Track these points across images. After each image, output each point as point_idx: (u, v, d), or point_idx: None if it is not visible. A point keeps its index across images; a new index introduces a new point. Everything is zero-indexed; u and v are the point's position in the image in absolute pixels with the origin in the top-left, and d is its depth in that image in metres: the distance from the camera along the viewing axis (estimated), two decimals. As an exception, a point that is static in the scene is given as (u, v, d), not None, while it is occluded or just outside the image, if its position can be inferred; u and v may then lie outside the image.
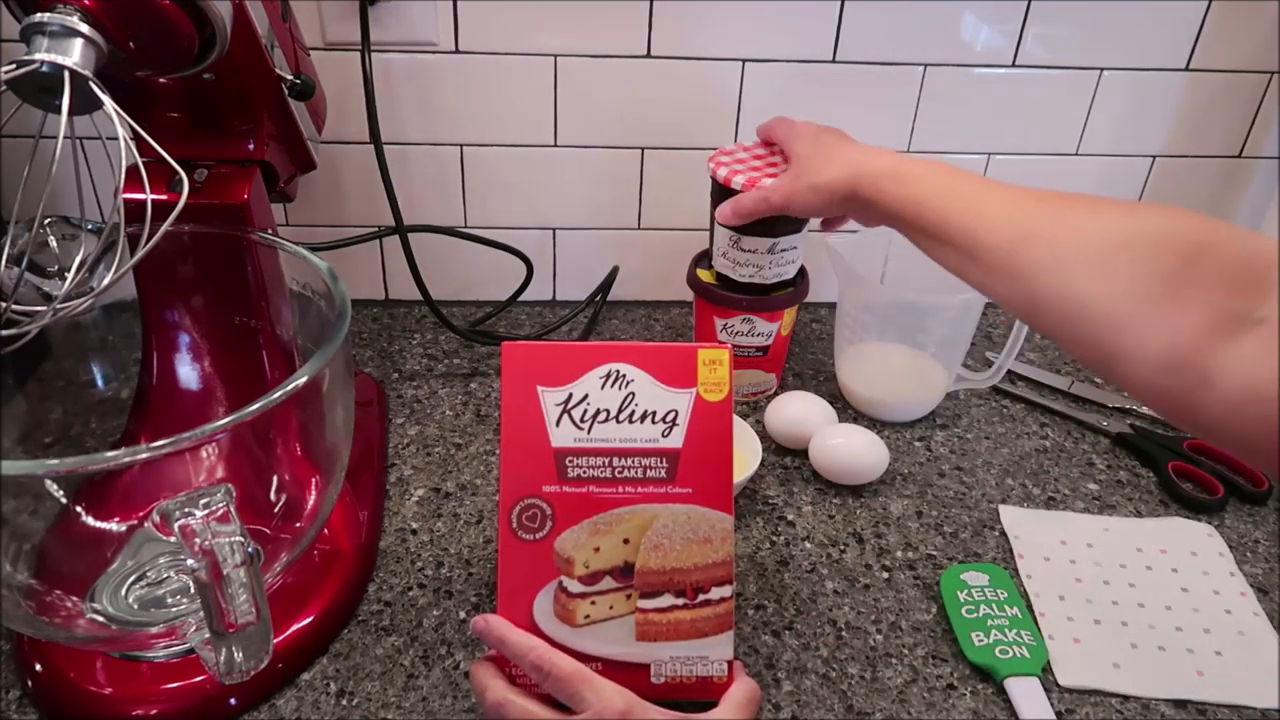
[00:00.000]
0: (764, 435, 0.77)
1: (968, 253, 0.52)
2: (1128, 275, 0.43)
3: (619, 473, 0.52)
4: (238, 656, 0.43)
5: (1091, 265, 0.45)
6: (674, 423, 0.52)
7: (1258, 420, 0.38)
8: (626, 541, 0.51)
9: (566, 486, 0.51)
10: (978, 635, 0.59)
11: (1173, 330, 0.41)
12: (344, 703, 0.55)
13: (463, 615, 0.61)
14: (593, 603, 0.51)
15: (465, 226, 0.91)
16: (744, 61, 0.85)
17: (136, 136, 0.47)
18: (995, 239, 0.50)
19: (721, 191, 0.73)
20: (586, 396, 0.52)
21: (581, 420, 0.52)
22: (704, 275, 0.81)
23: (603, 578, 0.51)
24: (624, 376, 0.52)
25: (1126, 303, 0.43)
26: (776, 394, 0.82)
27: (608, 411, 0.52)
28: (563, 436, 0.52)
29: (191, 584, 0.41)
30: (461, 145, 0.87)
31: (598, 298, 0.94)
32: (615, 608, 0.51)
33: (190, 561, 0.40)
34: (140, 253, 0.46)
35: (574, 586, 0.51)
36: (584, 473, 0.51)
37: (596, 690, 0.47)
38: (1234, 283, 0.40)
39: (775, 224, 0.72)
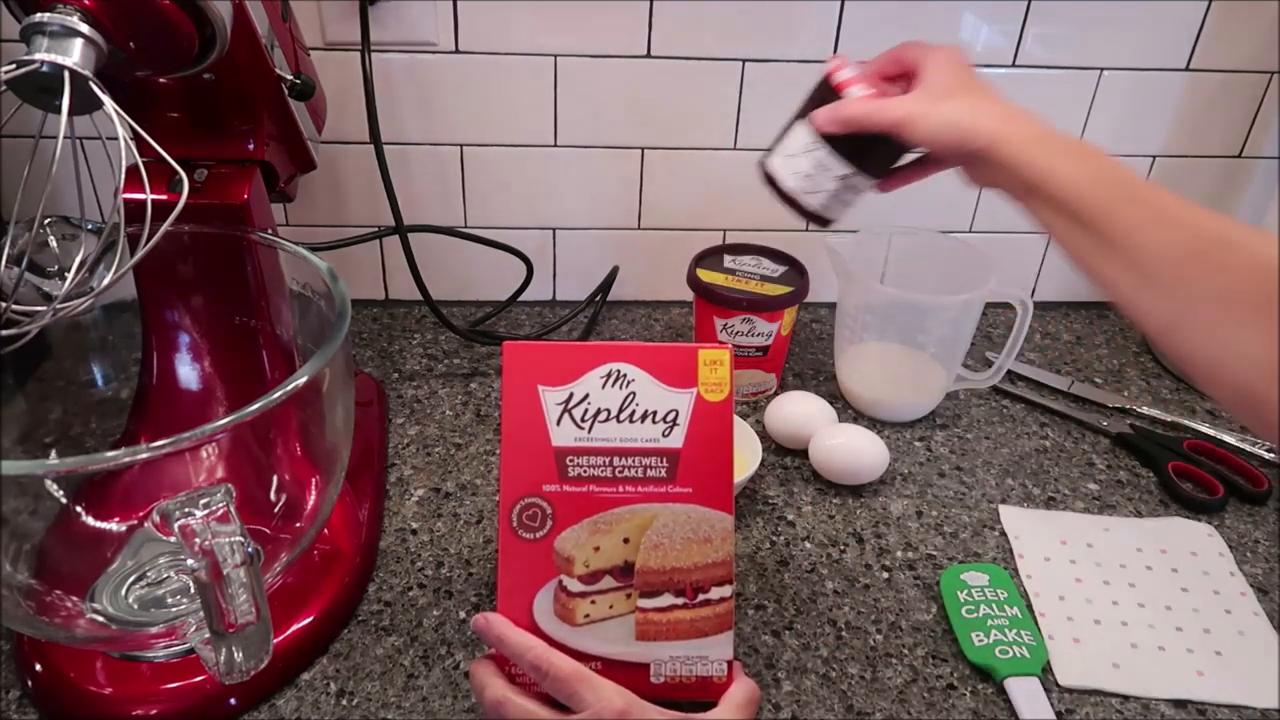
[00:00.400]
0: (764, 435, 0.77)
1: (1125, 256, 0.47)
2: None
3: (619, 472, 0.52)
4: (238, 656, 0.43)
5: (1255, 313, 0.42)
6: (674, 422, 0.52)
7: None
8: (626, 541, 0.51)
9: (567, 486, 0.51)
10: (978, 635, 0.59)
11: None
12: (344, 703, 0.55)
13: (463, 615, 0.61)
14: (593, 602, 0.51)
15: (465, 226, 0.91)
16: (744, 61, 0.85)
17: (136, 136, 0.47)
18: (1164, 255, 0.46)
19: (824, 94, 0.64)
20: (587, 396, 0.52)
21: (582, 420, 0.52)
22: (704, 275, 0.81)
23: (603, 577, 0.51)
24: (625, 376, 0.52)
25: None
26: (776, 394, 0.82)
27: (608, 411, 0.52)
28: (563, 436, 0.52)
29: (191, 584, 0.41)
30: (461, 145, 0.87)
31: (598, 298, 0.94)
32: (615, 607, 0.51)
33: (190, 561, 0.40)
34: (140, 253, 0.46)
35: (574, 586, 0.51)
36: (584, 472, 0.52)
37: (595, 690, 0.47)
38: None
39: (868, 153, 0.63)
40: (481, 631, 0.51)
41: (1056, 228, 0.52)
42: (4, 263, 0.49)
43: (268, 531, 0.56)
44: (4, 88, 0.43)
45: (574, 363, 0.52)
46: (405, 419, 0.79)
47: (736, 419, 0.61)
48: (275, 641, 0.46)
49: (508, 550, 0.51)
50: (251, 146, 0.60)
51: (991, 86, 0.57)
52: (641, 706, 0.47)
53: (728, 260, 0.83)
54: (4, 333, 0.46)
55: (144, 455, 0.41)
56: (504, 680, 0.49)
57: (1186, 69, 0.89)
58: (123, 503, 0.54)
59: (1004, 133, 0.52)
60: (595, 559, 0.51)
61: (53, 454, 0.61)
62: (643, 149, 0.89)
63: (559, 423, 0.52)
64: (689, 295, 0.83)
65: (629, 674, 0.51)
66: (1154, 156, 0.94)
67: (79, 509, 0.53)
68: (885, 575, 0.65)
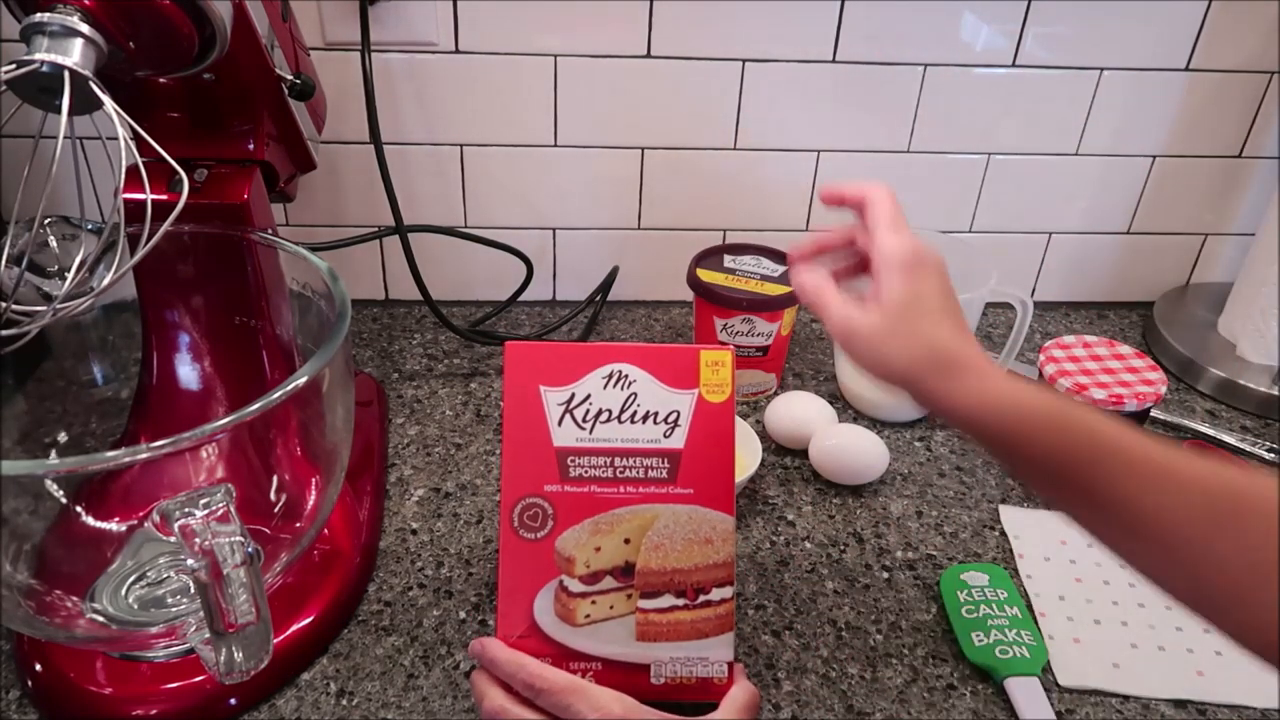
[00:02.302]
0: (764, 435, 0.77)
1: (1123, 522, 0.42)
2: None
3: (620, 473, 0.52)
4: (238, 656, 0.43)
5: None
6: (676, 423, 0.52)
7: None
8: (627, 541, 0.51)
9: (568, 486, 0.51)
10: (978, 635, 0.59)
11: None
12: (344, 703, 0.55)
13: (463, 615, 0.61)
14: (593, 602, 0.51)
15: (465, 226, 0.91)
16: (744, 61, 0.85)
17: (136, 136, 0.47)
18: (1175, 520, 0.40)
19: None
20: (589, 396, 0.52)
21: (583, 420, 0.52)
22: (704, 275, 0.81)
23: (603, 577, 0.51)
24: (626, 377, 0.52)
25: None
26: (776, 394, 0.82)
27: (610, 411, 0.52)
28: (565, 436, 0.52)
29: (191, 584, 0.41)
30: (461, 145, 0.87)
31: (598, 298, 0.94)
32: (616, 607, 0.51)
33: (190, 561, 0.40)
34: (140, 253, 0.46)
35: (575, 586, 0.51)
36: (585, 472, 0.52)
37: (590, 699, 0.47)
38: None
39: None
40: (477, 656, 0.51)
41: (1021, 473, 0.48)
42: (4, 263, 0.49)
43: (268, 531, 0.56)
44: (4, 88, 0.43)
45: (576, 363, 0.52)
46: (405, 419, 0.79)
47: (737, 419, 0.61)
48: (275, 641, 0.46)
49: (508, 550, 0.51)
50: (251, 146, 0.60)
51: (942, 301, 0.49)
52: (640, 710, 0.47)
53: (728, 260, 0.83)
54: (4, 333, 0.46)
55: (144, 455, 0.41)
56: (502, 690, 0.49)
57: (1186, 69, 0.89)
58: (123, 503, 0.54)
59: (929, 369, 0.47)
60: (596, 559, 0.51)
61: (53, 454, 0.61)
62: (643, 149, 0.89)
63: (560, 423, 0.52)
64: (689, 295, 0.83)
65: (629, 675, 0.51)
66: (1154, 156, 0.94)
67: (79, 509, 0.53)
68: (885, 575, 0.65)
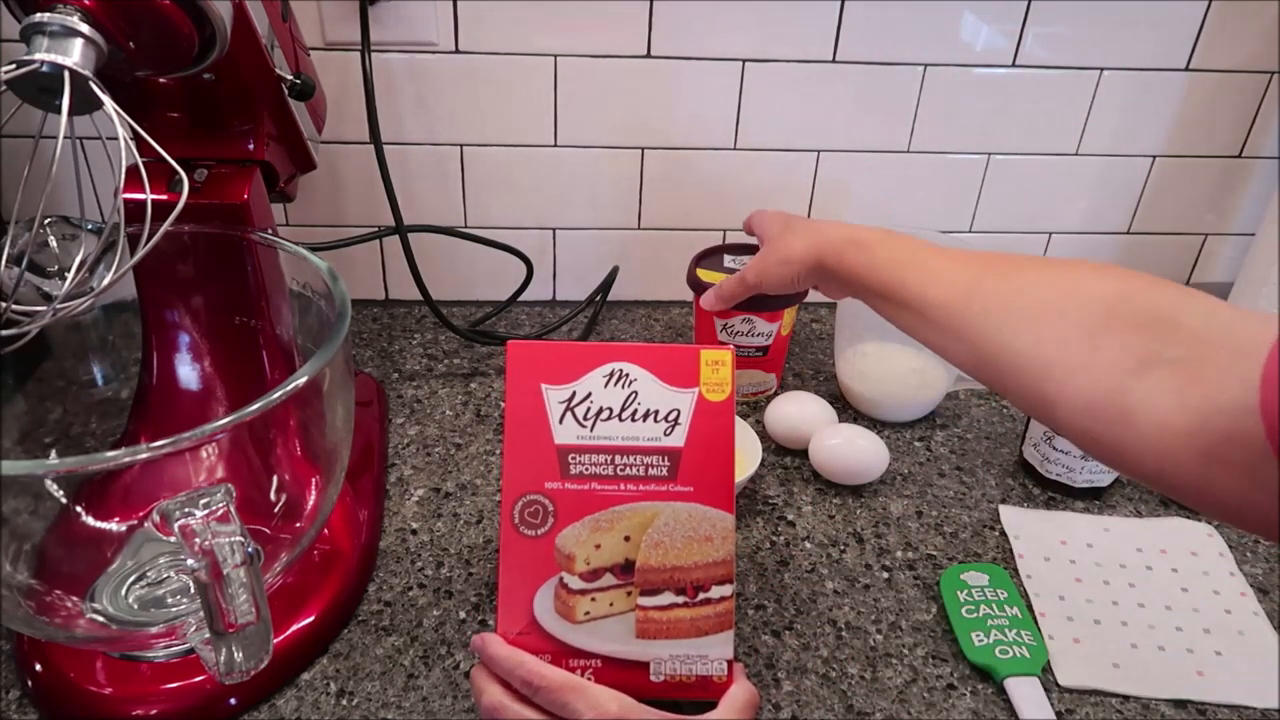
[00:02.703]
0: (764, 435, 0.77)
1: (919, 312, 0.53)
2: (1057, 327, 0.45)
3: (621, 470, 0.52)
4: (238, 656, 0.43)
5: (1026, 319, 0.47)
6: (676, 422, 0.52)
7: (1172, 455, 0.39)
8: (628, 539, 0.51)
9: (569, 483, 0.52)
10: (978, 635, 0.59)
11: (1094, 375, 0.43)
12: (344, 703, 0.55)
13: (463, 615, 0.61)
14: (593, 599, 0.51)
15: (465, 226, 0.91)
16: (744, 61, 0.85)
17: (136, 136, 0.47)
18: (943, 297, 0.52)
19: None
20: (590, 395, 0.52)
21: (584, 418, 0.52)
22: (704, 275, 0.81)
23: (603, 574, 0.51)
24: (627, 376, 0.52)
25: (1054, 350, 0.45)
26: (776, 394, 0.82)
27: (610, 410, 0.52)
28: (566, 434, 0.52)
29: (191, 584, 0.41)
30: (461, 145, 0.87)
31: (598, 298, 0.94)
32: (615, 605, 0.51)
33: (190, 561, 0.40)
34: (140, 253, 0.46)
35: (574, 583, 0.51)
36: (586, 470, 0.52)
37: (588, 697, 0.47)
38: (1147, 327, 0.42)
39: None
40: (478, 650, 0.51)
41: (880, 308, 0.58)
42: (4, 263, 0.49)
43: (268, 531, 0.56)
44: (4, 88, 0.43)
45: (577, 362, 0.53)
46: (405, 419, 0.79)
47: (737, 419, 0.61)
48: (275, 641, 0.46)
49: (509, 547, 0.51)
50: (251, 146, 0.60)
51: (814, 220, 0.67)
52: (637, 710, 0.47)
53: (728, 260, 0.83)
54: (4, 333, 0.46)
55: (144, 455, 0.41)
56: (501, 687, 0.50)
57: (1186, 69, 0.89)
58: (123, 503, 0.54)
59: (820, 248, 0.61)
60: (596, 556, 0.51)
61: (53, 454, 0.61)
62: (643, 149, 0.89)
63: (561, 421, 0.52)
64: (689, 295, 0.83)
65: (628, 672, 0.51)
66: (1154, 156, 0.94)
67: (79, 509, 0.53)
68: (885, 575, 0.65)
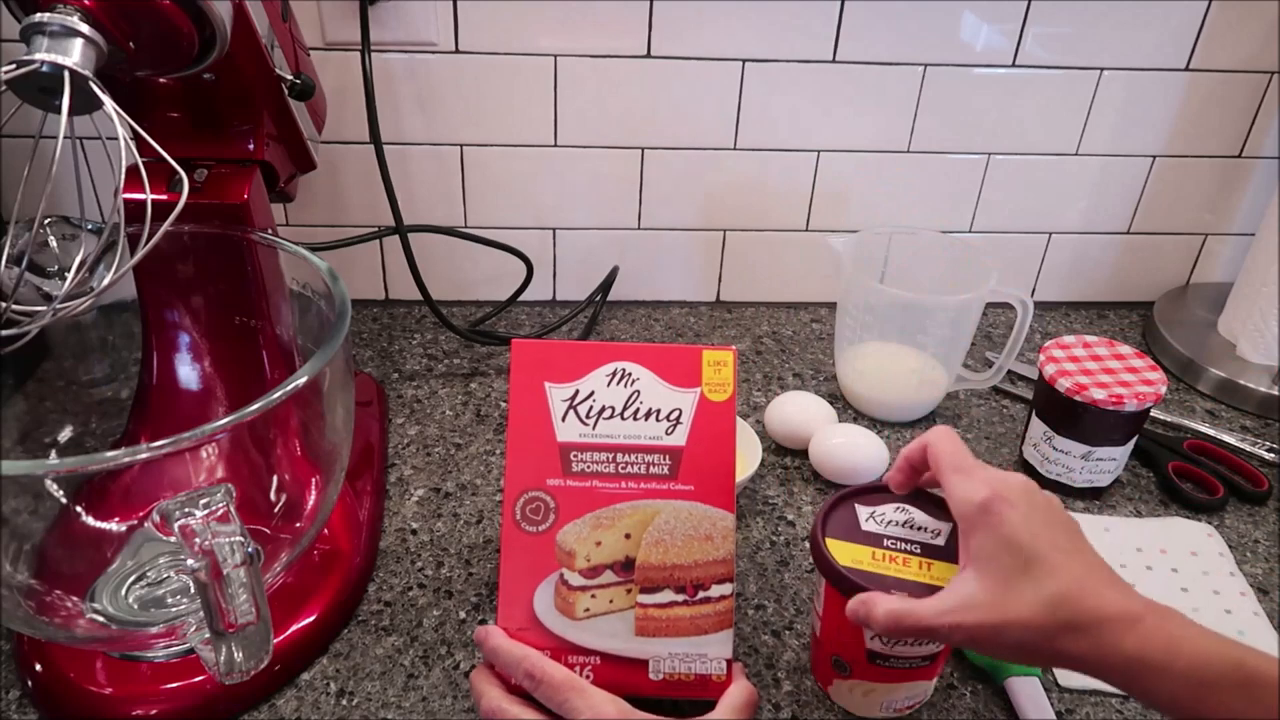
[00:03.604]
0: (764, 435, 0.77)
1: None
2: None
3: (622, 468, 0.52)
4: (238, 656, 0.43)
5: None
6: (678, 421, 0.52)
7: None
8: (628, 536, 0.52)
9: (570, 480, 0.52)
10: (978, 635, 0.59)
11: None
12: (344, 703, 0.55)
13: (463, 615, 0.61)
14: (593, 596, 0.51)
15: (465, 226, 0.91)
16: (744, 61, 0.85)
17: (136, 136, 0.47)
18: None
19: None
20: (593, 393, 0.52)
21: (587, 416, 0.52)
22: (837, 550, 0.51)
23: (603, 571, 0.51)
24: (630, 375, 0.53)
25: None
26: (776, 395, 0.82)
27: (613, 408, 0.52)
28: (568, 432, 0.52)
29: (191, 584, 0.41)
30: (461, 145, 0.87)
31: (598, 298, 0.94)
32: (615, 602, 0.51)
33: (190, 561, 0.40)
34: (140, 253, 0.46)
35: (575, 579, 0.51)
36: (588, 467, 0.52)
37: (587, 698, 0.47)
38: None
39: None
40: (480, 642, 0.51)
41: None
42: (4, 263, 0.49)
43: (268, 531, 0.56)
44: (4, 88, 0.43)
45: (580, 361, 0.53)
46: (405, 419, 0.79)
47: (737, 419, 0.61)
48: (275, 641, 0.46)
49: (510, 543, 0.52)
50: (251, 146, 0.60)
51: (1062, 535, 0.45)
52: (634, 714, 0.47)
53: (865, 515, 0.53)
54: (4, 333, 0.46)
55: (144, 455, 0.41)
56: (501, 689, 0.50)
57: (1186, 69, 0.89)
58: (123, 503, 0.54)
59: (1066, 621, 0.42)
60: (597, 553, 0.51)
61: (53, 454, 0.61)
62: (643, 149, 0.89)
63: (564, 419, 0.52)
64: (689, 295, 0.83)
65: (627, 670, 0.51)
66: (1154, 156, 0.94)
67: (79, 509, 0.53)
68: (885, 575, 0.65)
